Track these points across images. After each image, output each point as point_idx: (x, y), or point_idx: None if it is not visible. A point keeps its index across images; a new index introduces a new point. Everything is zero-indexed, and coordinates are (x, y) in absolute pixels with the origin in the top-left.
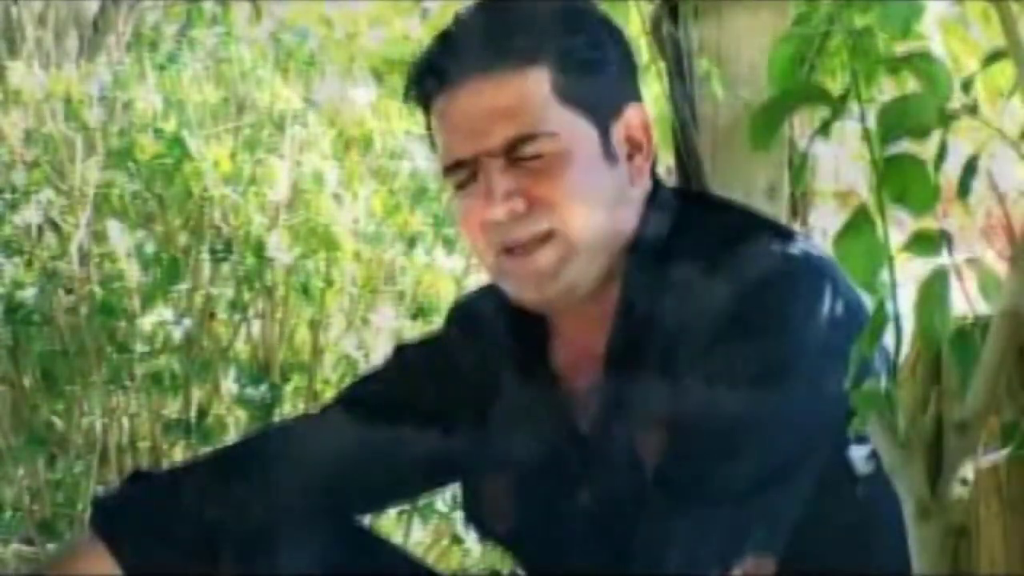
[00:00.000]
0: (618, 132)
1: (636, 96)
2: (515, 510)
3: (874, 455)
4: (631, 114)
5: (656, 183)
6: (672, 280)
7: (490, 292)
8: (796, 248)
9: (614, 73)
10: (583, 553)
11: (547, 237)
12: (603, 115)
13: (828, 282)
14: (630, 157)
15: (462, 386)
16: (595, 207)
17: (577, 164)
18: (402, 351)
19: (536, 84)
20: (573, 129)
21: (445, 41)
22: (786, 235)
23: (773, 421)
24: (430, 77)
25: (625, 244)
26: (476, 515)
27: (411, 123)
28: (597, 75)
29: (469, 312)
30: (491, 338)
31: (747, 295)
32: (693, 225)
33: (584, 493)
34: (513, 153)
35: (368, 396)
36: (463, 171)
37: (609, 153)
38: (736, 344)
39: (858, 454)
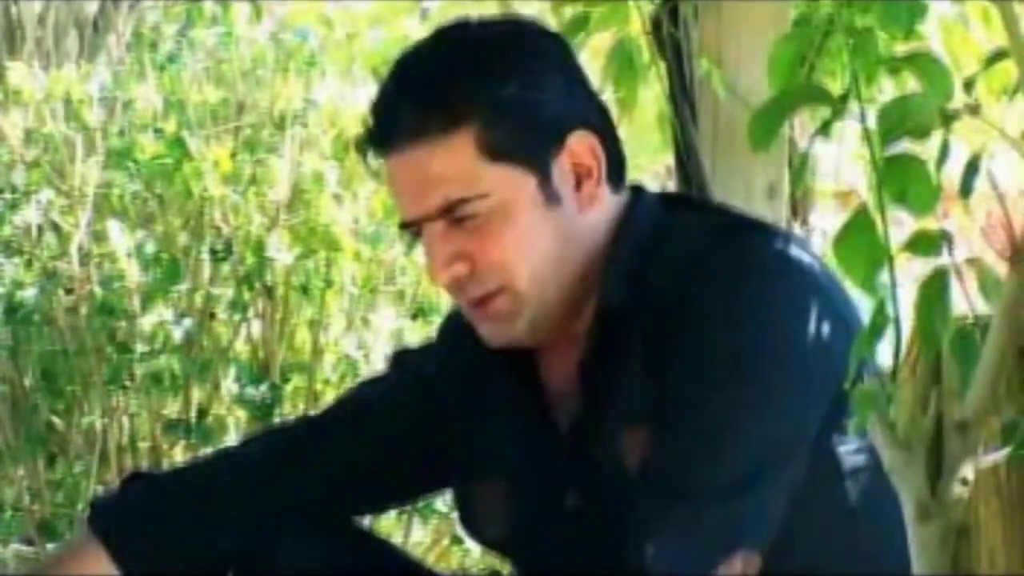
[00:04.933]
0: (562, 166)
1: (583, 117)
2: (506, 514)
3: (863, 451)
4: (575, 143)
5: (638, 190)
6: (648, 283)
7: None
8: (777, 247)
9: (554, 104)
10: (573, 556)
11: (498, 291)
12: (541, 157)
13: (809, 281)
14: (578, 186)
15: (454, 394)
16: (540, 256)
17: (516, 217)
18: (402, 357)
19: (463, 149)
20: (507, 183)
21: (385, 99)
22: (771, 235)
23: (744, 419)
24: (375, 137)
25: (602, 255)
26: (469, 520)
27: None
28: (532, 118)
29: (461, 320)
30: (481, 346)
31: (717, 293)
32: (674, 229)
33: (570, 495)
34: (451, 215)
35: (368, 400)
36: (413, 229)
37: (551, 196)
38: (705, 342)
39: (845, 450)
